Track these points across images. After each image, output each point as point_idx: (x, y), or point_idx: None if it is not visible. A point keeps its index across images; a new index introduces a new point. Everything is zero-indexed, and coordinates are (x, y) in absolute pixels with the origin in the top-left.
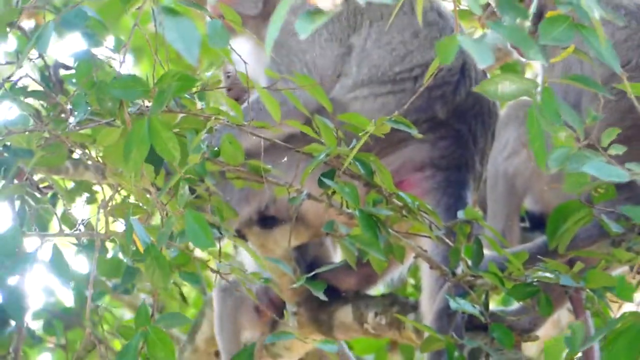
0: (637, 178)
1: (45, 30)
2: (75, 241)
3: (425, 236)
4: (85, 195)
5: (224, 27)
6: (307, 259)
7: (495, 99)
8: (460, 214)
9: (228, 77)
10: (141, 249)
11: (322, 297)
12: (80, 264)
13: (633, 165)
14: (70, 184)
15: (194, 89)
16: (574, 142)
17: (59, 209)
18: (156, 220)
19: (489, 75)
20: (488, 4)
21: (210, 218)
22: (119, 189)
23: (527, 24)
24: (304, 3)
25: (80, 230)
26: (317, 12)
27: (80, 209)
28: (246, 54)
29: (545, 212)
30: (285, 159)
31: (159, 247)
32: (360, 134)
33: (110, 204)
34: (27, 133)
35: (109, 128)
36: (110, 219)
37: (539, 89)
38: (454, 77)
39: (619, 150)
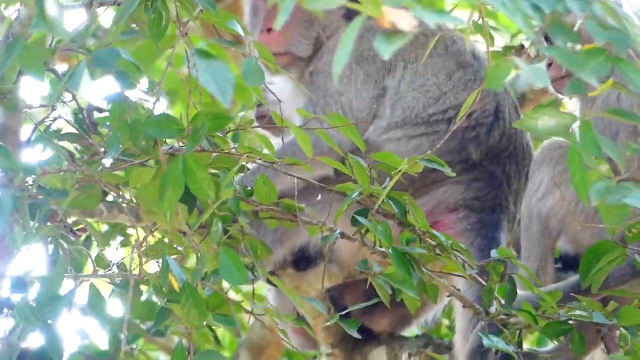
0: None
1: (77, 70)
2: (110, 283)
3: (459, 275)
4: (120, 238)
5: (259, 65)
6: (342, 304)
7: (535, 134)
8: (494, 253)
9: (261, 117)
10: (177, 287)
11: (356, 335)
12: (114, 307)
13: None
14: (104, 227)
15: (227, 129)
16: (614, 175)
17: (94, 252)
18: (191, 262)
19: (523, 117)
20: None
21: (245, 259)
22: (153, 229)
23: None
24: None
25: (114, 271)
26: (396, 33)
27: (115, 252)
28: (282, 94)
29: (579, 252)
30: (320, 197)
31: (195, 284)
32: (393, 173)
33: (144, 244)
34: (61, 174)
35: (142, 168)
36: (144, 260)
37: (578, 123)
38: (488, 119)
39: None
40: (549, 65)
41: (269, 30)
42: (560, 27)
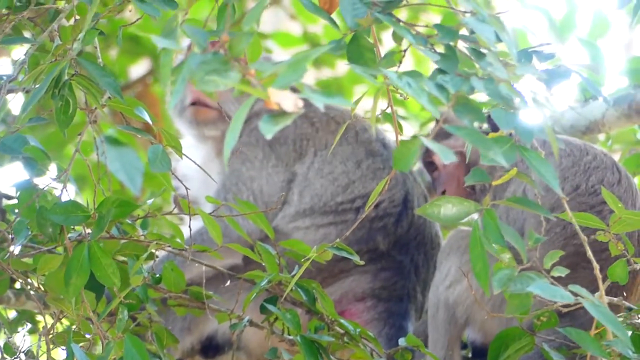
0: (581, 301)
1: None
2: None
3: None
4: (28, 325)
5: (165, 152)
6: None
7: (438, 221)
8: (402, 341)
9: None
10: None
11: None
12: None
13: (577, 287)
14: (12, 313)
15: (136, 216)
16: (516, 264)
17: (1, 338)
18: (98, 349)
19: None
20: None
21: (151, 346)
22: (61, 316)
23: (485, 126)
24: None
25: (21, 359)
26: (281, 114)
27: (22, 339)
28: (194, 177)
29: (486, 341)
30: (228, 283)
31: None
32: (301, 261)
33: (51, 331)
34: None
35: (49, 255)
36: (52, 347)
37: (481, 210)
38: (396, 209)
39: (562, 272)
40: (443, 192)
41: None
42: (467, 107)
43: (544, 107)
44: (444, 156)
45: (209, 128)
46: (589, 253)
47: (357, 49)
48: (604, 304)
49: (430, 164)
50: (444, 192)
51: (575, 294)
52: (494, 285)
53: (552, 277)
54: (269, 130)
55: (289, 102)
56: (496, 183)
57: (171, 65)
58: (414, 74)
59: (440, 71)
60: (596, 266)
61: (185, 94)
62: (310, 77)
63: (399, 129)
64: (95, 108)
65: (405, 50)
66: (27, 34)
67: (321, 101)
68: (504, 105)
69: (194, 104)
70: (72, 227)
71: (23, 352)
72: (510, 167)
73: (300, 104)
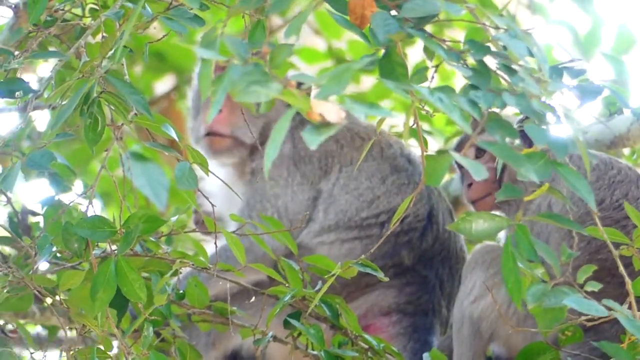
0: (616, 315)
1: (11, 171)
2: None
3: None
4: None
5: (192, 170)
6: None
7: (469, 237)
8: (426, 356)
9: (199, 223)
10: None
11: None
12: None
13: (610, 302)
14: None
15: (160, 233)
16: (549, 279)
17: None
18: None
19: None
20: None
21: None
22: (83, 332)
23: (517, 142)
24: (285, 142)
25: None
26: (324, 125)
27: (48, 355)
28: (218, 195)
29: (511, 356)
30: (253, 299)
31: None
32: (325, 277)
33: (72, 348)
34: None
35: (74, 271)
36: None
37: (513, 226)
38: (421, 223)
39: (595, 287)
40: (469, 185)
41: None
42: (498, 123)
43: (575, 122)
44: (475, 173)
45: (225, 156)
46: (621, 267)
47: (389, 64)
48: (637, 317)
49: (459, 166)
50: (470, 185)
51: (610, 308)
52: (528, 300)
53: (586, 292)
54: (313, 141)
55: (332, 113)
56: (528, 199)
57: (211, 76)
58: (445, 90)
59: (472, 87)
60: (628, 281)
61: (198, 124)
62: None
63: (424, 144)
64: (122, 124)
65: (437, 66)
66: (52, 51)
67: (363, 112)
68: (537, 120)
69: (208, 134)
70: (96, 243)
71: None
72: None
73: (343, 114)
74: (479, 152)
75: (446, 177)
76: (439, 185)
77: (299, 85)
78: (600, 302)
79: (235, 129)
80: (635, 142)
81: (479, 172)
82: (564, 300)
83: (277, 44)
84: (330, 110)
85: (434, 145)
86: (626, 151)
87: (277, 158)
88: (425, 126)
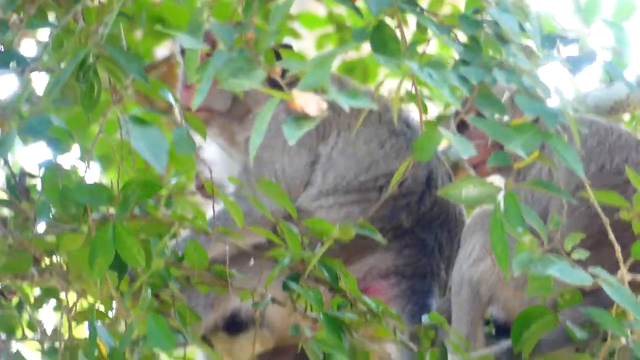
0: (601, 283)
1: (8, 136)
2: (39, 349)
3: (390, 341)
4: (51, 301)
5: (189, 134)
6: None
7: (459, 202)
8: (425, 318)
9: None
10: (104, 353)
11: None
12: None
13: (597, 270)
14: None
15: (159, 196)
16: (537, 246)
17: (26, 316)
18: (121, 328)
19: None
20: (467, 100)
21: (175, 323)
22: (83, 294)
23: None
24: (279, 111)
25: (43, 336)
26: (303, 117)
27: (47, 316)
28: (216, 161)
29: (509, 319)
30: (252, 262)
31: (122, 350)
32: (324, 238)
33: (74, 309)
34: None
35: (73, 234)
36: (76, 325)
37: (503, 193)
38: (420, 187)
39: (582, 255)
40: None
41: (189, 86)
42: (488, 99)
43: (564, 94)
44: (464, 150)
45: (207, 128)
46: (610, 233)
47: (381, 38)
48: (624, 284)
49: (461, 123)
50: None
51: (595, 276)
52: (514, 267)
53: (573, 260)
54: (292, 135)
55: (313, 104)
56: (518, 166)
57: (196, 62)
58: (435, 65)
59: (463, 62)
60: (617, 248)
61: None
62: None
63: (423, 109)
64: (120, 89)
65: (429, 40)
66: (51, 15)
67: (346, 102)
68: (527, 95)
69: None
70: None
71: (46, 329)
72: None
73: (324, 106)
74: None
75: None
76: (429, 159)
77: (284, 72)
78: (598, 265)
79: (207, 100)
80: (635, 108)
81: (467, 150)
82: (549, 269)
83: (264, 28)
84: (311, 101)
85: (434, 110)
86: (626, 117)
87: (273, 125)
88: (425, 91)
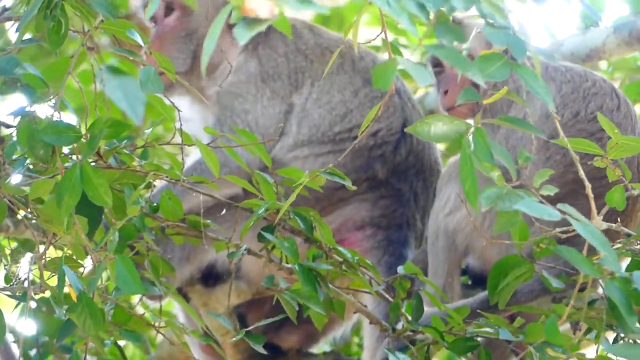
0: (569, 219)
1: None
2: (10, 296)
3: (366, 292)
4: (28, 254)
5: (156, 74)
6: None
7: (428, 139)
8: (400, 269)
9: None
10: (74, 297)
11: (262, 350)
12: (26, 325)
13: (565, 206)
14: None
15: (135, 146)
16: (505, 182)
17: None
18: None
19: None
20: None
21: (149, 274)
22: (54, 241)
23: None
24: (248, 59)
25: (23, 286)
26: (255, 20)
27: (23, 268)
28: (189, 111)
29: (486, 268)
30: (224, 212)
31: (90, 293)
32: (293, 186)
33: (44, 257)
34: None
35: (42, 179)
36: (48, 273)
37: (472, 129)
38: (394, 137)
39: (550, 190)
40: (445, 92)
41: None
42: (446, 27)
43: (525, 26)
44: (420, 79)
45: (170, 93)
46: (584, 178)
47: None
48: (597, 224)
49: (437, 64)
50: (446, 92)
51: (563, 212)
52: (482, 203)
53: (542, 196)
54: (243, 35)
55: (265, 8)
56: (487, 102)
57: None
58: None
59: None
60: (591, 196)
61: None
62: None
63: (397, 54)
64: (89, 31)
65: None
66: None
67: (294, 8)
68: (487, 22)
69: None
70: (64, 153)
71: (22, 280)
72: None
73: (276, 11)
74: None
75: (421, 90)
76: (387, 88)
77: None
78: (563, 206)
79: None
80: (611, 55)
81: (424, 78)
82: (516, 205)
83: None
84: (262, 5)
85: (411, 58)
86: (602, 65)
87: (243, 76)
88: (402, 40)
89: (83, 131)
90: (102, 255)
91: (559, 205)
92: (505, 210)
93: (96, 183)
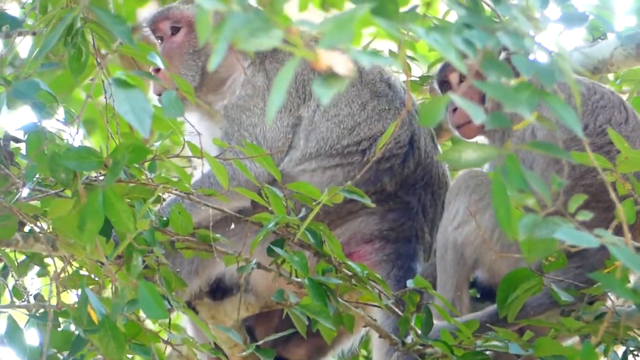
0: (607, 244)
1: None
2: (27, 314)
3: (375, 305)
4: (37, 267)
5: (178, 98)
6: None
7: (459, 167)
8: (410, 283)
9: None
10: (96, 320)
11: None
12: (31, 336)
13: (601, 231)
14: (21, 257)
15: (145, 160)
16: (540, 208)
17: (11, 282)
18: (108, 292)
19: (439, 147)
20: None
21: (161, 289)
22: (71, 260)
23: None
24: (255, 74)
25: (30, 302)
26: (333, 77)
27: (32, 282)
28: (198, 125)
29: (495, 282)
30: (233, 226)
31: (114, 318)
32: (310, 204)
33: (61, 275)
34: None
35: (59, 199)
36: (62, 290)
37: (502, 155)
38: (403, 149)
39: (586, 216)
40: (454, 110)
41: (157, 70)
42: (493, 62)
43: (564, 53)
44: (475, 116)
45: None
46: (611, 192)
47: (379, 2)
48: (629, 245)
49: (444, 82)
50: (455, 110)
51: (600, 237)
52: (520, 232)
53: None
54: (326, 95)
55: (340, 63)
56: (517, 127)
57: (209, 23)
58: (441, 30)
59: (465, 26)
60: (619, 207)
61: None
62: (319, 18)
63: (407, 70)
64: (107, 53)
65: (428, 4)
66: None
67: (368, 61)
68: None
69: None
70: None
71: (32, 295)
72: None
73: (351, 64)
74: (462, 77)
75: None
76: (434, 125)
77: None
78: (586, 227)
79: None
80: (619, 67)
81: (478, 115)
82: (555, 233)
83: None
84: (338, 59)
85: (418, 71)
86: (610, 77)
87: (251, 90)
88: (409, 52)
89: (93, 145)
90: (113, 269)
91: (596, 231)
92: (542, 238)
93: (119, 209)
